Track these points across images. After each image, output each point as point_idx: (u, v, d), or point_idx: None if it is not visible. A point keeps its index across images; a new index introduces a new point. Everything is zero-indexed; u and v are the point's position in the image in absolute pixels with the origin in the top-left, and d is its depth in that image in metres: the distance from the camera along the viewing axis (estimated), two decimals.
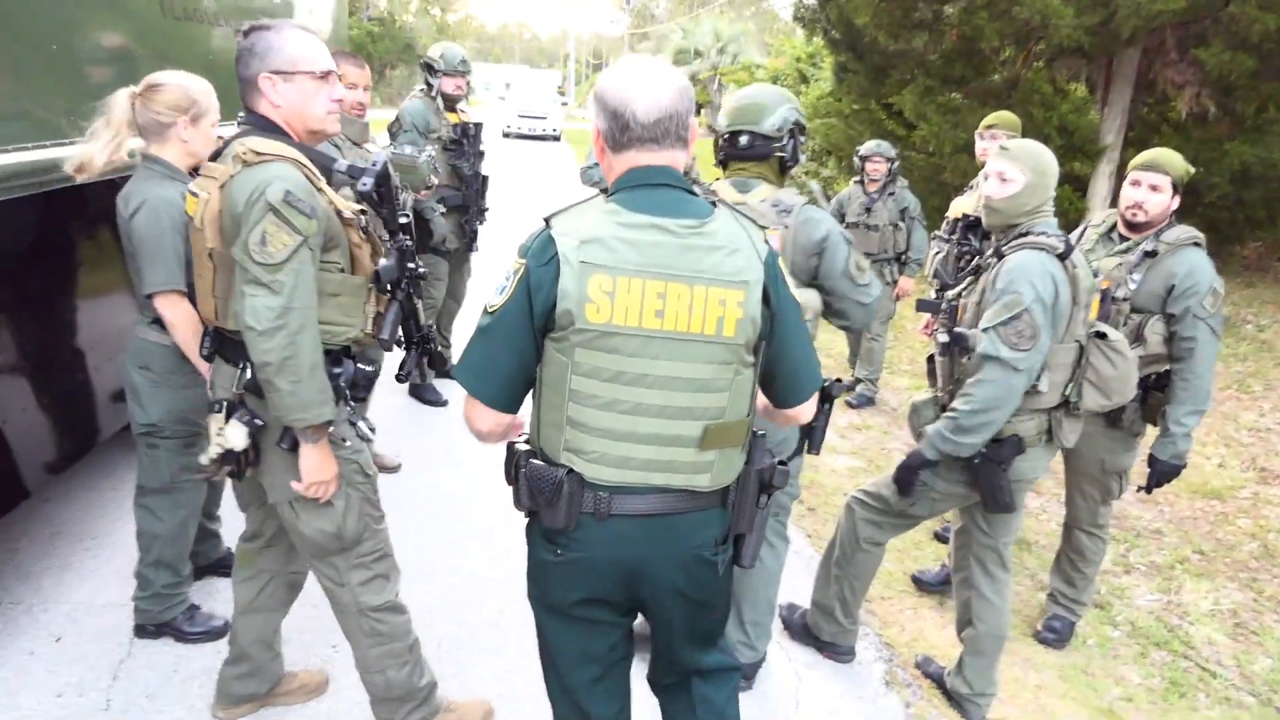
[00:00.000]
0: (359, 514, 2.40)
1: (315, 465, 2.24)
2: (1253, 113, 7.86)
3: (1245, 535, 4.61)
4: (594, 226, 1.68)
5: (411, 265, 2.52)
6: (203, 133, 2.76)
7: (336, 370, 2.28)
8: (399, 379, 2.84)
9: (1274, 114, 7.71)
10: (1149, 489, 3.36)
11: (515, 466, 1.81)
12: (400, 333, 2.74)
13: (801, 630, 3.35)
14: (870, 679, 3.20)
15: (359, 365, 2.38)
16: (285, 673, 2.79)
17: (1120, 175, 8.76)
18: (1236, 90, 7.40)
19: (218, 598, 3.26)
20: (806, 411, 1.96)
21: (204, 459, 2.29)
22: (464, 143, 5.23)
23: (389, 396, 5.32)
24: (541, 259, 1.68)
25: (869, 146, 6.12)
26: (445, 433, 5.04)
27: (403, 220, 2.57)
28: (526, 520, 1.91)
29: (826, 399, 2.11)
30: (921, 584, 3.88)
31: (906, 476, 2.88)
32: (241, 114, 2.28)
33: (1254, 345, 7.37)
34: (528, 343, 1.71)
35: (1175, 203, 3.22)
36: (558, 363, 1.70)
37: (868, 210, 6.02)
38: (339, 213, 2.25)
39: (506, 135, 29.38)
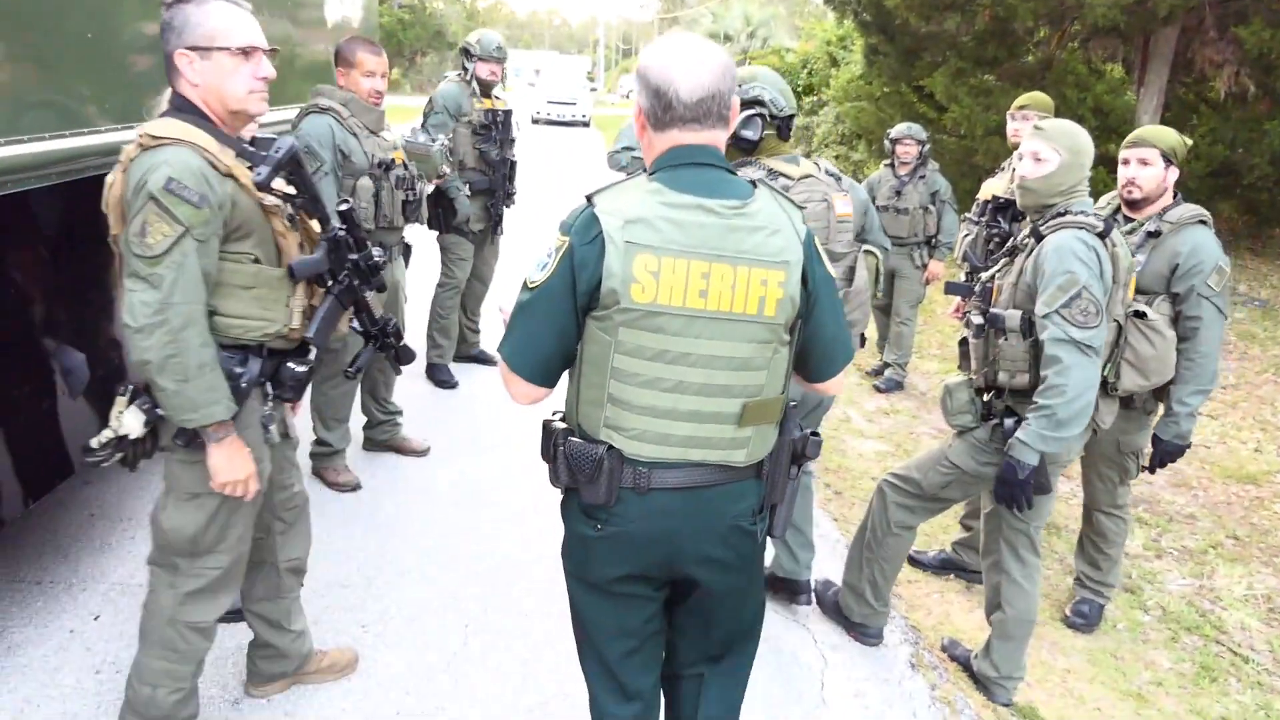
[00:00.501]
0: (223, 525, 2.30)
1: (223, 464, 2.16)
2: None
3: None
4: (638, 206, 1.68)
5: (354, 256, 2.42)
6: None
7: (239, 370, 2.18)
8: (347, 375, 2.80)
9: None
10: (1152, 469, 3.36)
11: (553, 445, 1.81)
12: (358, 326, 2.67)
13: (834, 609, 3.36)
14: (896, 661, 3.20)
15: (289, 364, 2.30)
16: (315, 651, 2.82)
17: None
18: (1277, 69, 7.22)
19: None
20: (838, 384, 1.98)
21: (94, 442, 2.14)
22: (493, 128, 5.26)
23: (411, 384, 5.37)
24: (586, 237, 1.68)
25: (900, 129, 6.06)
26: (471, 418, 5.08)
27: (343, 208, 2.44)
28: (562, 497, 1.91)
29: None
30: (918, 564, 3.89)
31: (1016, 494, 2.71)
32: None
33: None
34: (569, 319, 1.71)
35: (1172, 174, 3.17)
36: (600, 341, 1.71)
37: (898, 193, 5.96)
38: (260, 201, 2.16)
39: (536, 121, 29.41)
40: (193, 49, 2.07)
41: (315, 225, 2.37)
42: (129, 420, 2.13)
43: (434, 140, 4.50)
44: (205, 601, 2.35)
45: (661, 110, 1.72)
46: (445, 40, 43.55)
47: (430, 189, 4.15)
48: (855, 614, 3.26)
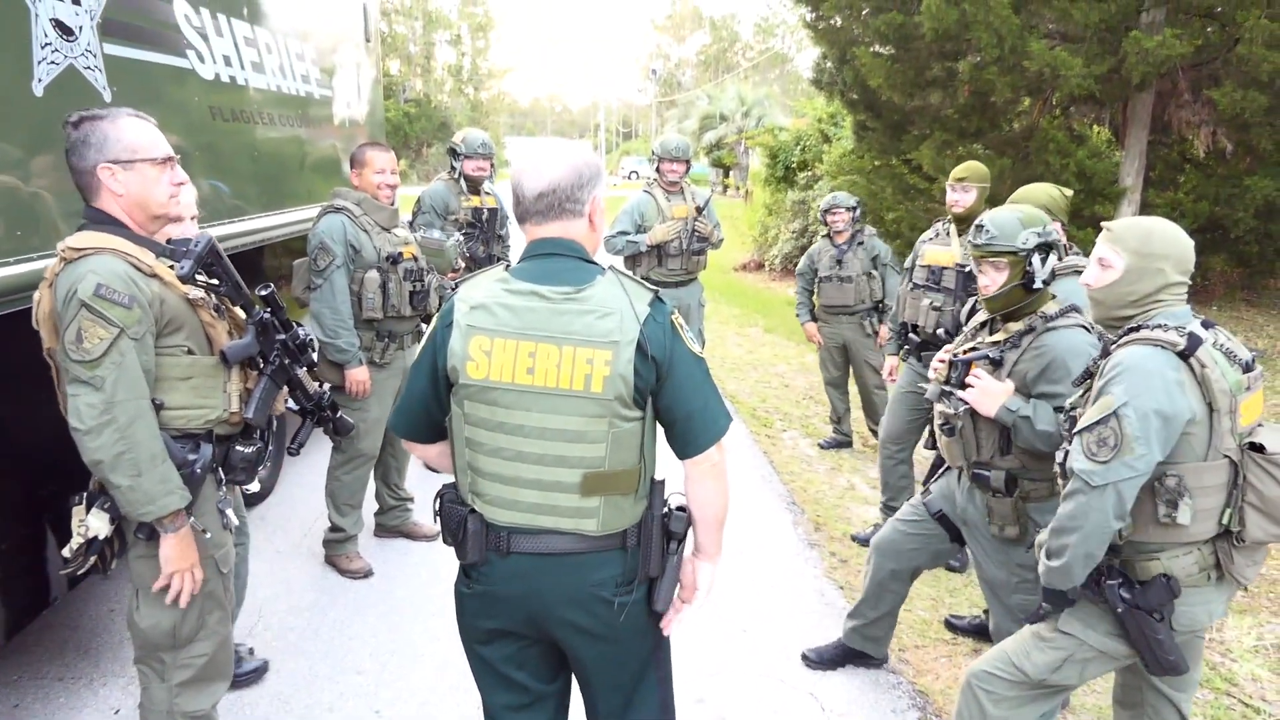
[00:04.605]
0: (199, 612, 2.36)
1: (174, 554, 2.22)
2: (1275, 147, 7.89)
3: None
4: (484, 293, 1.91)
5: (282, 336, 2.51)
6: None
7: (192, 457, 2.26)
8: (290, 452, 2.90)
9: None
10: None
11: (440, 507, 2.01)
12: (293, 405, 2.77)
13: None
14: None
15: (236, 447, 2.38)
16: None
17: (1143, 214, 8.79)
18: (1252, 127, 7.44)
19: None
20: (709, 459, 1.97)
21: (66, 552, 2.20)
22: (478, 225, 5.45)
23: (422, 469, 5.45)
24: (444, 321, 1.93)
25: (827, 200, 6.13)
26: None
27: (263, 293, 2.51)
28: None
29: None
30: (955, 628, 3.88)
31: (1056, 601, 2.37)
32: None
33: None
34: (429, 390, 1.96)
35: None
36: (457, 414, 1.93)
37: (839, 262, 6.01)
38: (186, 296, 2.26)
39: None
40: (114, 162, 2.18)
41: (240, 312, 2.48)
42: (94, 523, 2.20)
43: (449, 235, 4.70)
44: (198, 691, 2.41)
45: (515, 206, 1.97)
46: (450, 131, 44.66)
47: (438, 281, 4.32)
48: None
